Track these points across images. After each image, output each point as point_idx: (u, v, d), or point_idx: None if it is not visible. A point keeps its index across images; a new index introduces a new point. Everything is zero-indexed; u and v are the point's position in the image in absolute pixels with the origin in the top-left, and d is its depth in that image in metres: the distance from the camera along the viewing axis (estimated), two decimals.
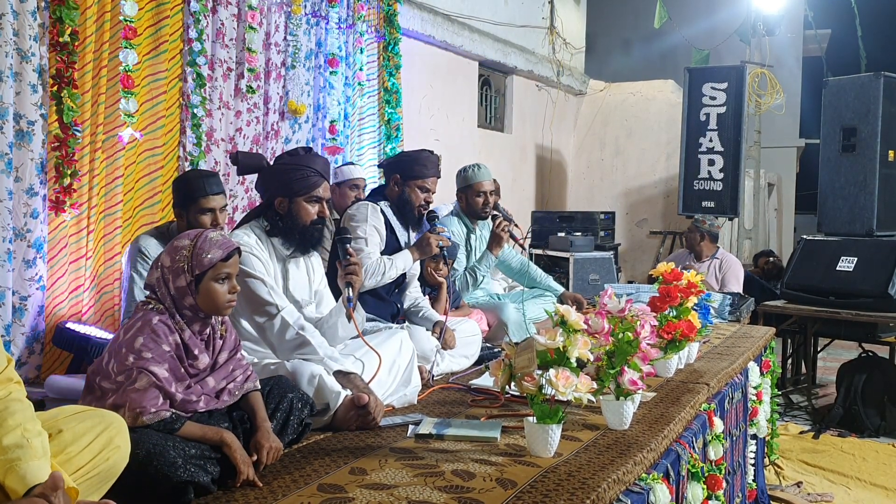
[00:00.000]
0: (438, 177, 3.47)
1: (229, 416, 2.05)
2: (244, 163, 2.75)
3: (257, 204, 4.43)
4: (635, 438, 2.24)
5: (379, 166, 3.95)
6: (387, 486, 1.84)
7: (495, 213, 4.15)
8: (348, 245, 2.74)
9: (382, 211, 3.35)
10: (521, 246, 4.24)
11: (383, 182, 3.95)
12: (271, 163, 2.75)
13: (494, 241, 4.06)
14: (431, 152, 3.48)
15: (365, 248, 3.20)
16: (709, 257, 5.85)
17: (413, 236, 3.44)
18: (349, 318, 2.63)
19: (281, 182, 2.64)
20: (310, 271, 2.80)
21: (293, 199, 2.63)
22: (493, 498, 1.77)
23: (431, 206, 3.47)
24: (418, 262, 3.42)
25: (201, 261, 2.00)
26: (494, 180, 4.25)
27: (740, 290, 5.60)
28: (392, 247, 3.33)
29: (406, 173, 3.37)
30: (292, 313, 2.52)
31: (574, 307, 2.17)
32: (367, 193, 3.99)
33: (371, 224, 3.27)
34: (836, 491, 4.14)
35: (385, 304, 3.30)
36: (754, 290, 5.96)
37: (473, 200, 4.13)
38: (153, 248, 2.99)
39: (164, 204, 3.89)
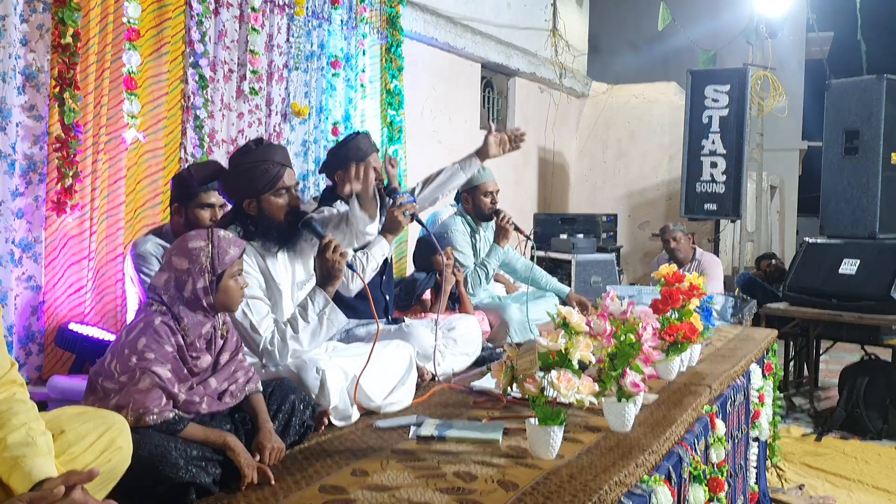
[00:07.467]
0: (377, 150, 3.31)
1: (231, 417, 2.05)
2: (198, 176, 2.61)
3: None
4: (637, 441, 2.24)
5: (319, 172, 3.82)
6: (388, 488, 1.84)
7: (497, 209, 4.21)
8: (316, 226, 2.58)
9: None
10: (526, 236, 4.23)
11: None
12: (226, 167, 2.62)
13: (501, 234, 4.15)
14: (358, 133, 3.31)
15: None
16: (689, 260, 5.81)
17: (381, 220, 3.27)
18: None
19: (243, 183, 2.53)
20: (290, 255, 2.68)
21: (260, 197, 2.53)
22: (494, 500, 1.77)
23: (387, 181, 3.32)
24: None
25: (223, 260, 2.02)
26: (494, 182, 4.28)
27: (721, 289, 5.56)
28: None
29: (346, 166, 3.16)
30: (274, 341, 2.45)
31: (578, 309, 2.17)
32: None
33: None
34: (839, 494, 4.13)
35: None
36: (756, 292, 5.95)
37: (480, 201, 4.19)
38: (152, 249, 3.00)
39: (166, 205, 3.87)
